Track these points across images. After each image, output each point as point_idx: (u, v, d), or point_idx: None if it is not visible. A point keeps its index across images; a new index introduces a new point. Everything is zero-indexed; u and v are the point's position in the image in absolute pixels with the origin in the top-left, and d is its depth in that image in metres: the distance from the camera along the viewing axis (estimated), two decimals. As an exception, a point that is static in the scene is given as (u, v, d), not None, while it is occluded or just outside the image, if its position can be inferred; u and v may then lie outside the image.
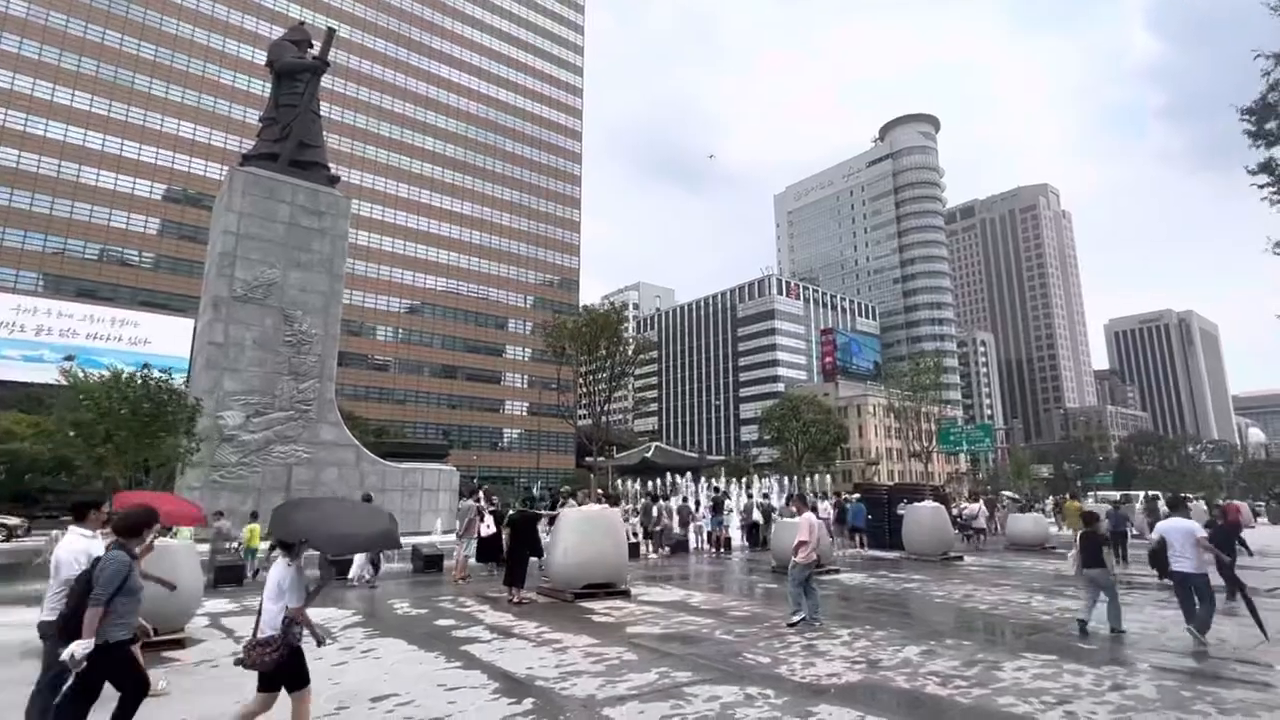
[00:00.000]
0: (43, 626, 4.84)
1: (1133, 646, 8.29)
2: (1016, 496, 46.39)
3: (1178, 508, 9.23)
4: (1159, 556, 9.77)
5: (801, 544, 9.59)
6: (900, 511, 20.86)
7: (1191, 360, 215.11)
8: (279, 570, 4.70)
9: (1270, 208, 14.57)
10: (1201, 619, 8.36)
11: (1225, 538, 11.21)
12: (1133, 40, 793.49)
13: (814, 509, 13.38)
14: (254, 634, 4.59)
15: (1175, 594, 8.88)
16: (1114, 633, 8.87)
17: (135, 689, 4.49)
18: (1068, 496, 34.24)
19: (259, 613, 4.62)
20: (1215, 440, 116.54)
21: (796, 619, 9.32)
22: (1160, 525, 9.05)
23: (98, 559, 4.49)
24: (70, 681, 4.36)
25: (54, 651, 4.57)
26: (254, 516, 16.16)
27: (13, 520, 29.36)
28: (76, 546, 4.89)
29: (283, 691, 4.67)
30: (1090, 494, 55.27)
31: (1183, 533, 8.49)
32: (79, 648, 4.18)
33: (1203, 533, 8.64)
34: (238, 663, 4.61)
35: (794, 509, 11.77)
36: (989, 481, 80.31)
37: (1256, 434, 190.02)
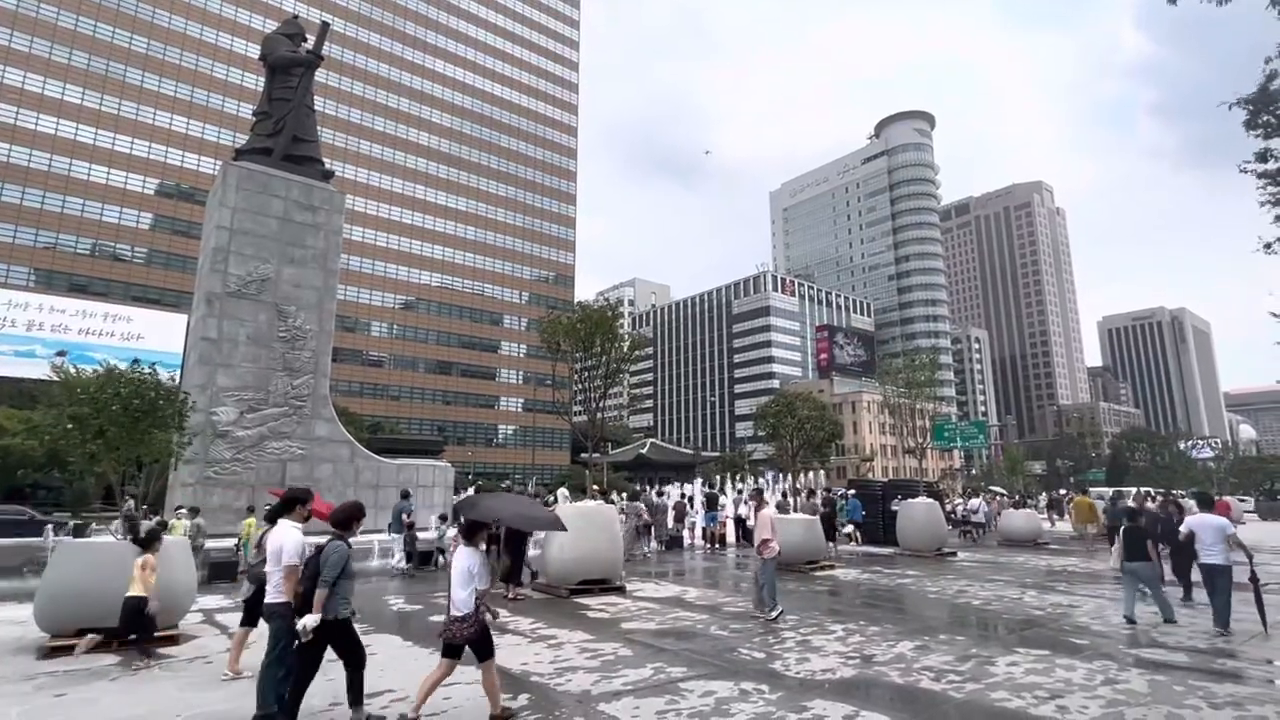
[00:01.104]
0: (269, 607, 5.42)
1: (1126, 641, 8.35)
2: (1002, 491, 46.57)
3: (1208, 505, 9.65)
4: (1187, 549, 10.15)
5: (765, 542, 9.73)
6: (894, 508, 20.95)
7: (1184, 357, 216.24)
8: (468, 557, 5.27)
9: (1261, 207, 14.56)
10: (1219, 611, 8.70)
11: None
12: (1123, 39, 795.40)
13: (780, 507, 13.44)
14: (449, 613, 5.28)
15: (1205, 587, 9.14)
16: (1167, 622, 9.15)
17: (357, 656, 5.19)
18: (1069, 494, 34.30)
19: (449, 596, 5.31)
20: (1205, 436, 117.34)
21: (775, 614, 9.46)
22: (1190, 520, 9.38)
23: (319, 548, 5.03)
24: (295, 652, 5.05)
25: (282, 629, 5.22)
26: (250, 511, 16.05)
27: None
28: (301, 538, 5.46)
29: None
30: (1083, 490, 55.45)
31: (1214, 528, 8.81)
32: (310, 620, 4.89)
33: (1233, 529, 8.98)
34: (440, 635, 5.33)
35: (754, 504, 11.77)
36: (982, 477, 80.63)
37: (1247, 430, 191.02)
